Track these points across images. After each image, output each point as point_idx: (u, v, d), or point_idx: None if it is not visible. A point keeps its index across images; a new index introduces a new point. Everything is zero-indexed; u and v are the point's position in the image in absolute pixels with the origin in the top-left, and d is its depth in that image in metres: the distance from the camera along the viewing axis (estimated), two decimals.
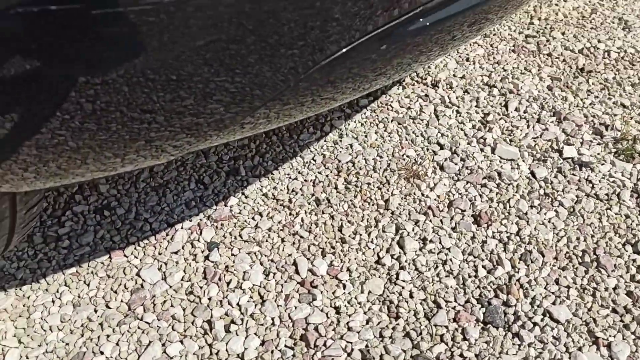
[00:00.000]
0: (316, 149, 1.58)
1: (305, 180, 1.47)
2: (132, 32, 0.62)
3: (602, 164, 1.46)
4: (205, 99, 0.73)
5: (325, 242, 1.31)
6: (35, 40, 0.60)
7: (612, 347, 1.05)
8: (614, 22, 2.08)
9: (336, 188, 1.45)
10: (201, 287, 1.22)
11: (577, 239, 1.27)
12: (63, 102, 0.70)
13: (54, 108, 0.69)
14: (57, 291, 1.24)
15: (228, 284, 1.23)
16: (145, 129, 0.75)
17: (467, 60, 1.92)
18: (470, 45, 2.00)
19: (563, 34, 2.03)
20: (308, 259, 1.27)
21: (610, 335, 1.08)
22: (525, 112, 1.66)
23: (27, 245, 1.34)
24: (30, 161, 0.75)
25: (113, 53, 0.65)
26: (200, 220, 1.38)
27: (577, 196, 1.37)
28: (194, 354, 1.10)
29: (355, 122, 1.68)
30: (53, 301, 1.22)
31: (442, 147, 1.55)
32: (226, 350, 1.11)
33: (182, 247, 1.31)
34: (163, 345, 1.12)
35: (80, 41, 0.62)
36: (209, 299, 1.20)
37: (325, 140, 1.62)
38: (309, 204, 1.40)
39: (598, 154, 1.50)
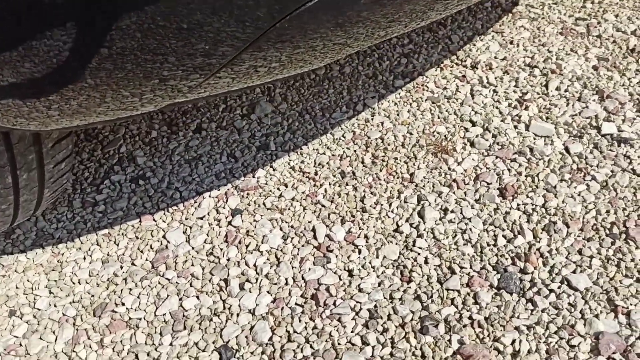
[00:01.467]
0: (347, 127, 1.62)
1: (332, 155, 1.51)
2: None
3: None
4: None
5: (346, 211, 1.34)
6: None
7: (631, 315, 1.02)
8: None
9: (363, 162, 1.48)
10: (221, 249, 1.28)
11: (607, 211, 1.23)
12: (83, 43, 0.78)
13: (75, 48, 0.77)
14: (89, 249, 1.33)
15: (247, 246, 1.28)
16: (158, 68, 0.82)
17: (511, 42, 1.90)
18: (517, 28, 1.98)
19: (616, 16, 1.97)
20: (327, 225, 1.30)
21: (631, 304, 1.05)
22: (566, 91, 1.63)
23: (66, 209, 1.46)
24: (53, 99, 0.83)
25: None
26: (228, 189, 1.45)
27: (612, 171, 1.33)
28: (208, 307, 1.16)
29: (388, 101, 1.70)
30: (84, 258, 1.31)
31: (474, 124, 1.55)
32: (238, 305, 1.16)
33: (208, 213, 1.38)
34: (180, 299, 1.19)
35: None
36: (228, 259, 1.26)
37: (357, 119, 1.66)
38: (334, 176, 1.44)
39: None
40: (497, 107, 1.60)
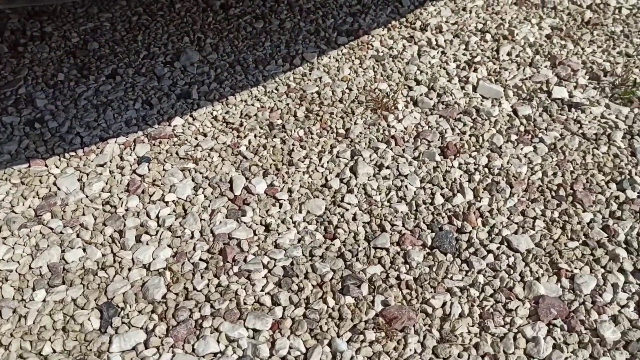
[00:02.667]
0: (281, 80, 1.47)
1: (262, 107, 1.36)
2: None
3: (595, 106, 1.32)
4: None
5: (270, 164, 1.19)
6: None
7: (575, 279, 0.91)
8: None
9: (295, 116, 1.33)
10: (120, 199, 1.11)
11: (554, 174, 1.13)
12: None
13: None
14: None
15: (151, 196, 1.11)
16: None
17: (464, 9, 1.79)
18: None
19: None
20: (247, 178, 1.15)
21: (575, 268, 0.94)
22: (517, 56, 1.53)
23: None
24: None
25: None
26: (138, 137, 1.28)
27: (561, 134, 1.23)
28: (94, 261, 0.99)
29: (329, 57, 1.56)
30: None
31: (419, 83, 1.43)
32: (132, 259, 0.99)
33: (110, 160, 1.21)
34: (63, 251, 1.01)
35: None
36: (126, 209, 1.09)
37: (293, 73, 1.51)
38: (261, 128, 1.29)
39: (592, 97, 1.36)
40: (444, 68, 1.49)
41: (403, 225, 1.04)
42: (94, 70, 1.50)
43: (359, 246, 1.00)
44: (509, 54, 1.54)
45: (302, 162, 1.19)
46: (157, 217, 1.07)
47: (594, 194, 1.09)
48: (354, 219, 1.06)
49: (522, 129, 1.26)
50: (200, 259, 0.99)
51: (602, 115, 1.29)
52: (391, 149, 1.22)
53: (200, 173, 1.17)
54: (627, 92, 1.34)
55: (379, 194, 1.10)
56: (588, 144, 1.21)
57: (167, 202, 1.10)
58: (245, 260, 0.98)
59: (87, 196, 1.12)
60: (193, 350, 0.86)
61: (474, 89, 1.40)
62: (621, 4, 1.78)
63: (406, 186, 1.12)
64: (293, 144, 1.25)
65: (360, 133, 1.27)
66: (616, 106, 1.32)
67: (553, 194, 1.09)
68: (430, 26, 1.66)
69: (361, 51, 1.58)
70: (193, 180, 1.16)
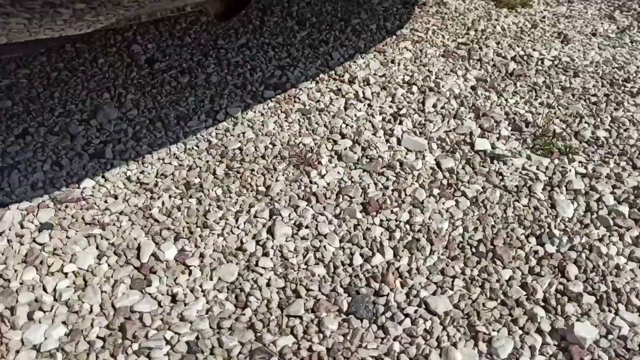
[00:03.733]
0: (203, 136, 1.43)
1: (179, 165, 1.31)
2: None
3: (517, 158, 1.32)
4: None
5: (183, 227, 1.13)
6: None
7: (492, 343, 0.87)
8: (552, 36, 2.01)
9: (214, 174, 1.28)
10: (16, 271, 1.02)
11: (475, 229, 1.11)
12: None
13: None
14: None
15: (49, 267, 1.03)
16: None
17: (392, 62, 1.81)
18: (399, 49, 1.90)
19: (498, 43, 1.95)
20: (156, 243, 1.09)
21: (493, 330, 0.90)
22: (442, 108, 1.54)
23: None
24: None
25: None
26: (42, 201, 1.20)
27: (483, 187, 1.22)
28: None
29: (254, 111, 1.53)
30: None
31: (343, 136, 1.41)
32: (21, 339, 0.90)
33: (9, 229, 1.12)
34: None
35: None
36: (21, 283, 1.00)
37: (216, 128, 1.47)
38: (177, 188, 1.23)
39: (514, 148, 1.37)
40: (370, 121, 1.48)
41: (319, 290, 0.99)
42: (3, 130, 1.43)
43: (271, 315, 0.94)
44: (434, 105, 1.55)
45: (218, 223, 1.14)
46: (54, 290, 0.99)
47: (514, 249, 1.07)
48: (268, 284, 1.00)
49: (444, 182, 1.25)
50: (98, 337, 0.91)
51: (523, 166, 1.30)
52: (311, 207, 1.18)
53: (107, 239, 1.10)
54: (547, 143, 1.36)
55: (296, 256, 1.06)
56: (509, 196, 1.21)
57: (66, 274, 1.02)
58: (146, 336, 0.91)
59: None
60: None
61: (399, 141, 1.40)
62: (544, 56, 1.83)
63: (325, 247, 1.08)
64: (209, 204, 1.20)
65: (281, 190, 1.23)
66: (537, 157, 1.33)
67: (473, 250, 1.07)
68: (358, 79, 1.67)
69: (287, 105, 1.56)
70: (97, 247, 1.08)
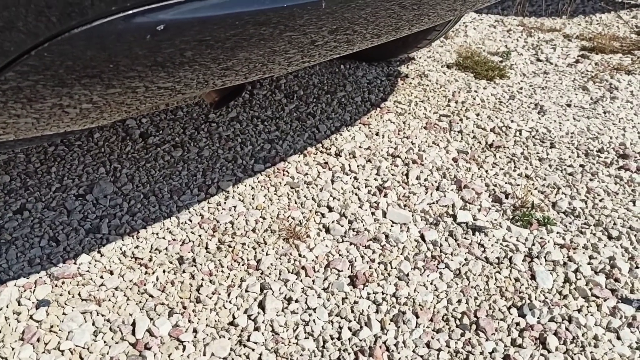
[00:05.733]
0: (195, 210, 1.49)
1: (173, 240, 1.37)
2: None
3: (497, 229, 1.40)
4: None
5: (177, 302, 1.18)
6: None
7: None
8: (530, 107, 2.13)
9: (206, 248, 1.34)
10: (13, 349, 1.06)
11: (459, 301, 1.17)
12: None
13: None
14: None
15: (46, 344, 1.07)
16: None
17: (377, 134, 1.91)
18: (383, 121, 2.01)
19: (477, 115, 2.07)
20: (151, 318, 1.13)
21: None
22: (425, 180, 1.63)
23: None
24: None
25: None
26: (39, 277, 1.25)
27: (465, 259, 1.29)
28: None
29: (245, 185, 1.61)
30: None
31: (331, 209, 1.48)
32: None
33: (7, 306, 1.16)
34: None
35: None
36: None
37: (208, 202, 1.54)
38: (171, 262, 1.29)
39: (495, 219, 1.45)
40: (356, 194, 1.56)
41: None
42: (1, 206, 1.48)
43: None
44: (417, 177, 1.64)
45: (210, 298, 1.19)
46: None
47: (497, 320, 1.13)
48: (260, 359, 1.05)
49: (428, 254, 1.31)
50: None
51: (503, 238, 1.37)
52: (301, 281, 1.24)
53: (102, 315, 1.15)
54: (526, 215, 1.44)
55: (287, 330, 1.10)
56: (491, 268, 1.27)
57: (62, 351, 1.06)
58: None
59: None
60: None
61: (384, 214, 1.47)
62: (521, 127, 1.95)
63: (314, 320, 1.13)
64: (202, 279, 1.25)
65: (271, 264, 1.29)
66: (517, 228, 1.41)
67: (457, 322, 1.12)
68: (344, 151, 1.76)
69: (277, 178, 1.64)
70: (93, 324, 1.13)
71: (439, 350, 1.06)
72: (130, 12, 0.64)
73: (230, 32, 0.74)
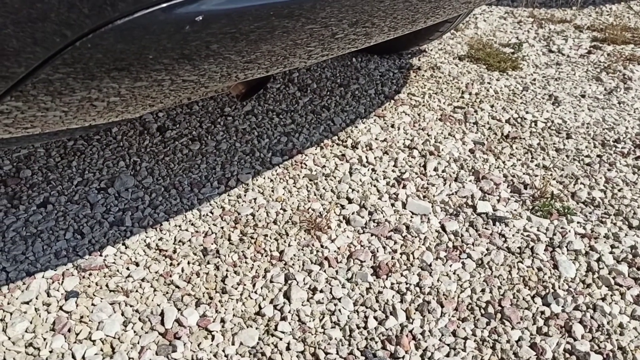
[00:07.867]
0: (216, 202, 1.50)
1: (196, 232, 1.38)
2: None
3: (518, 219, 1.40)
4: None
5: (203, 293, 1.19)
6: None
7: None
8: (544, 98, 2.13)
9: (229, 239, 1.35)
10: (45, 339, 1.08)
11: (482, 290, 1.18)
12: None
13: None
14: None
15: (77, 335, 1.09)
16: None
17: (392, 126, 1.92)
18: (398, 113, 2.01)
19: (492, 106, 2.07)
20: (179, 309, 1.14)
21: None
22: (443, 171, 1.63)
23: None
24: None
25: None
26: (67, 269, 1.26)
27: (487, 249, 1.30)
28: None
29: (264, 177, 1.62)
30: None
31: (350, 201, 1.49)
32: None
33: (36, 297, 1.18)
34: None
35: None
36: (50, 351, 1.06)
37: (228, 195, 1.55)
38: (195, 254, 1.30)
39: (514, 210, 1.45)
40: (374, 186, 1.56)
41: (337, 353, 1.05)
42: (25, 200, 1.50)
43: None
44: (435, 169, 1.64)
45: (236, 289, 1.20)
46: (83, 358, 1.04)
47: (521, 309, 1.14)
48: (288, 348, 1.06)
49: (450, 245, 1.32)
50: None
51: (524, 228, 1.38)
52: (324, 271, 1.24)
53: (131, 306, 1.16)
54: (546, 205, 1.44)
55: (313, 320, 1.11)
56: (513, 257, 1.28)
57: (94, 341, 1.07)
58: None
59: (9, 338, 1.08)
60: None
61: (404, 205, 1.47)
62: (536, 118, 1.94)
63: (340, 310, 1.14)
64: (227, 270, 1.26)
65: (294, 255, 1.30)
66: (537, 219, 1.41)
67: (482, 311, 1.13)
68: (360, 144, 1.76)
69: (295, 170, 1.64)
70: (123, 314, 1.14)
71: (466, 338, 1.07)
72: (172, 2, 0.64)
73: (260, 23, 0.75)
